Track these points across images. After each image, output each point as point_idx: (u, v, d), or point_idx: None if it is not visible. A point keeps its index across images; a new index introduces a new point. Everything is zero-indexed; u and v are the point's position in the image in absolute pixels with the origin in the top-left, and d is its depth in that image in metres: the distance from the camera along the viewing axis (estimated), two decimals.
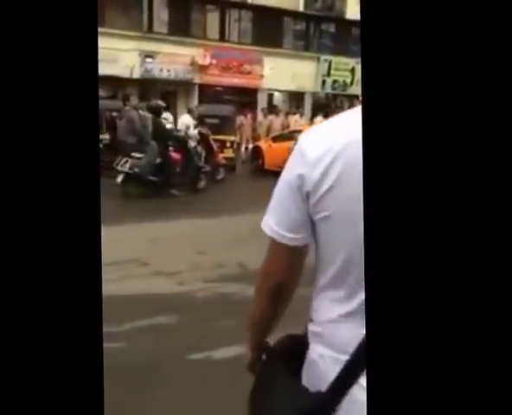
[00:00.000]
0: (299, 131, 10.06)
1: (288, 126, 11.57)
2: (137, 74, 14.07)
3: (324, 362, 0.83)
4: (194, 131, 8.03)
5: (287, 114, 12.67)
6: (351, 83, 17.42)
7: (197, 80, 15.17)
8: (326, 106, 15.50)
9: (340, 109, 15.87)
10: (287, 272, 0.89)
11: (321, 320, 0.86)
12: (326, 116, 12.16)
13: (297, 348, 0.90)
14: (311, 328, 0.89)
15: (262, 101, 15.97)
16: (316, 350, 0.86)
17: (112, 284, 3.17)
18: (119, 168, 6.59)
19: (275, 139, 10.04)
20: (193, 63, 14.82)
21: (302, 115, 12.62)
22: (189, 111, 8.55)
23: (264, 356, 0.99)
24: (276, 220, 0.85)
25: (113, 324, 2.63)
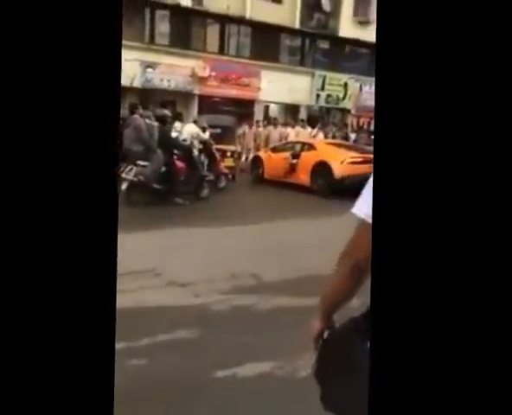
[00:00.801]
0: (298, 142, 10.27)
1: (286, 137, 11.78)
2: (137, 84, 14.17)
3: None
4: (205, 135, 8.07)
5: (285, 125, 12.94)
6: (343, 97, 17.88)
7: (197, 91, 15.32)
8: (320, 119, 15.88)
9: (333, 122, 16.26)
10: (368, 252, 1.01)
11: None
12: (321, 128, 12.50)
13: (360, 328, 0.96)
14: None
15: (259, 113, 16.23)
16: None
17: (129, 296, 3.07)
18: (124, 175, 6.53)
19: (274, 150, 10.14)
20: (193, 74, 15.01)
21: (304, 127, 12.87)
22: (195, 122, 8.69)
23: (326, 334, 1.07)
24: (369, 205, 0.92)
25: (132, 339, 2.51)
